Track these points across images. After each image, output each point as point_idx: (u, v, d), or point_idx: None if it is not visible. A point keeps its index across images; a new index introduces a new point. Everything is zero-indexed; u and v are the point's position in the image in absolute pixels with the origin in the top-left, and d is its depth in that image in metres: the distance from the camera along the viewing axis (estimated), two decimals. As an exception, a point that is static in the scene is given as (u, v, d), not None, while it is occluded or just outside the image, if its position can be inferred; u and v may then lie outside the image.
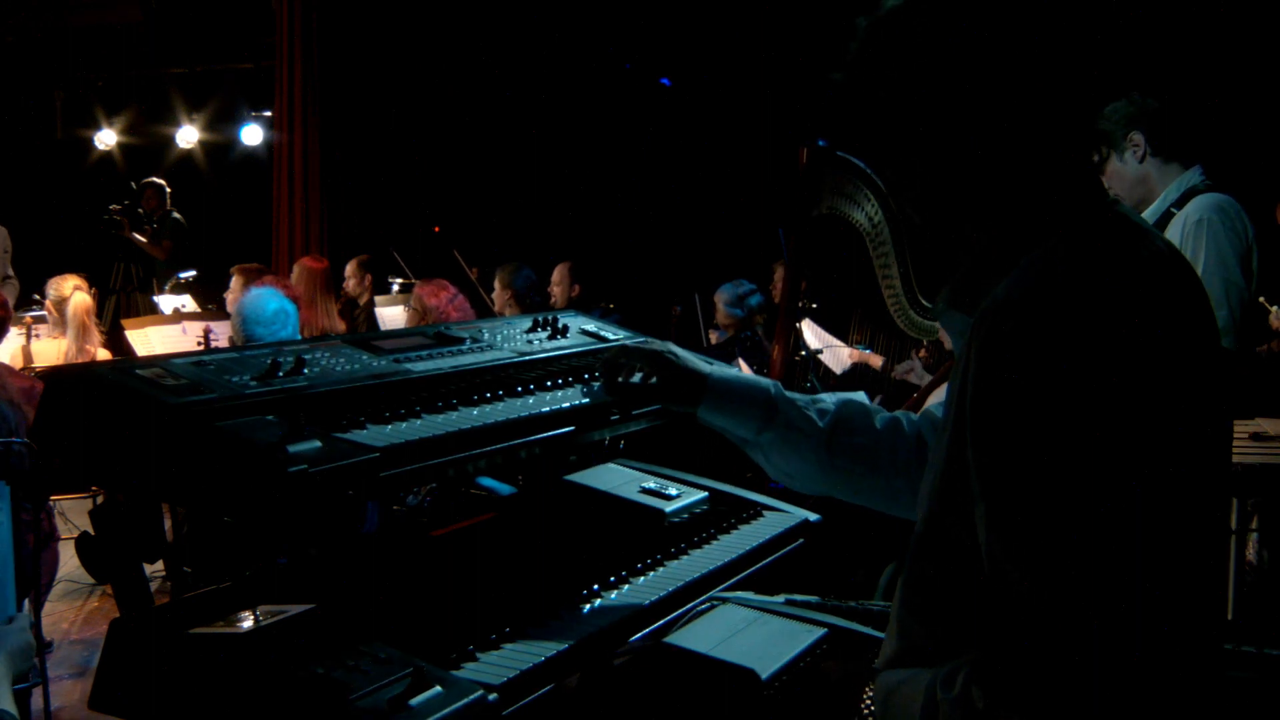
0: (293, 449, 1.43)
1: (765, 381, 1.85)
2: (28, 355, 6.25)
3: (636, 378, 1.95)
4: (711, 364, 1.92)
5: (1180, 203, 3.41)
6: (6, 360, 5.48)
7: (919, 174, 1.41)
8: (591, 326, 2.33)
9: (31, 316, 6.54)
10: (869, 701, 1.36)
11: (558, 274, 6.82)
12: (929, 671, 1.32)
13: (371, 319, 7.21)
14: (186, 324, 6.06)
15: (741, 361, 5.21)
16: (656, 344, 1.94)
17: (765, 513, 2.31)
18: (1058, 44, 1.34)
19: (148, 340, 5.89)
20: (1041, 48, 1.33)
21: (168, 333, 5.96)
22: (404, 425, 1.65)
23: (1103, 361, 1.19)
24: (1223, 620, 1.42)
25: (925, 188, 1.42)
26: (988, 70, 1.32)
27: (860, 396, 1.88)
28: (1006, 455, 1.22)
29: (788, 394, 1.83)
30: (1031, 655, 1.19)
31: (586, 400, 1.91)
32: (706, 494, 2.36)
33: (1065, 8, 1.35)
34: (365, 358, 1.85)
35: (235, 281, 6.02)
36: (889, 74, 1.38)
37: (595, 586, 1.81)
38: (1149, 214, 3.47)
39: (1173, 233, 3.36)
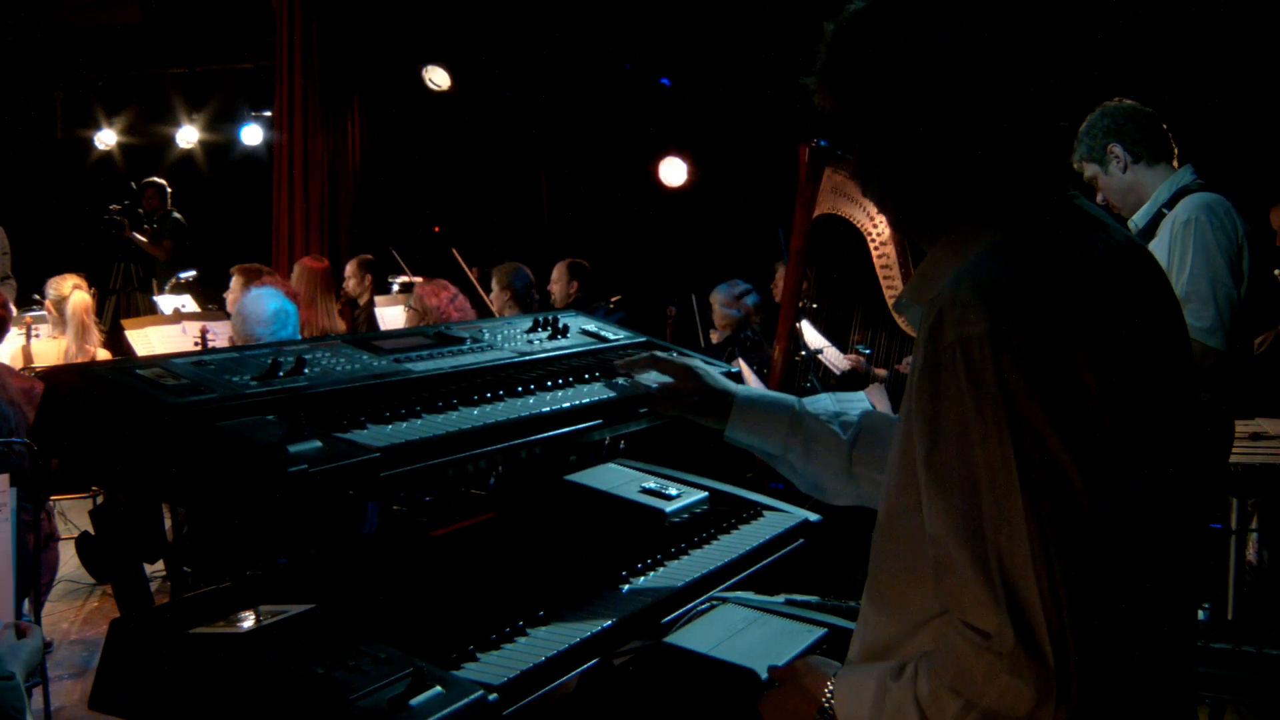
0: (293, 449, 1.43)
1: (788, 398, 1.87)
2: (28, 355, 6.25)
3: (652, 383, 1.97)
4: (729, 378, 1.95)
5: (1171, 203, 3.41)
6: (6, 360, 5.48)
7: (879, 171, 1.42)
8: (592, 326, 2.33)
9: (32, 316, 6.53)
10: (829, 695, 1.37)
11: (556, 272, 6.83)
12: (883, 665, 1.33)
13: (371, 319, 7.21)
14: (186, 324, 6.05)
15: (741, 361, 5.21)
16: (681, 359, 1.97)
17: (765, 513, 2.31)
18: (1013, 41, 1.34)
19: (148, 340, 5.89)
20: (996, 45, 1.33)
21: (168, 333, 5.96)
22: (404, 425, 1.65)
23: (1048, 354, 1.19)
24: (1195, 620, 1.43)
25: (883, 184, 1.43)
26: (943, 67, 1.33)
27: (861, 397, 1.88)
28: (947, 448, 1.22)
29: (811, 409, 1.85)
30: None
31: (587, 400, 1.91)
32: (706, 494, 2.36)
33: (1018, 6, 1.36)
34: (365, 358, 1.85)
35: (235, 281, 6.01)
36: (850, 75, 1.40)
37: (595, 586, 1.81)
38: (1140, 216, 3.47)
39: (1163, 234, 3.36)
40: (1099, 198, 3.51)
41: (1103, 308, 1.24)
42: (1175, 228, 3.32)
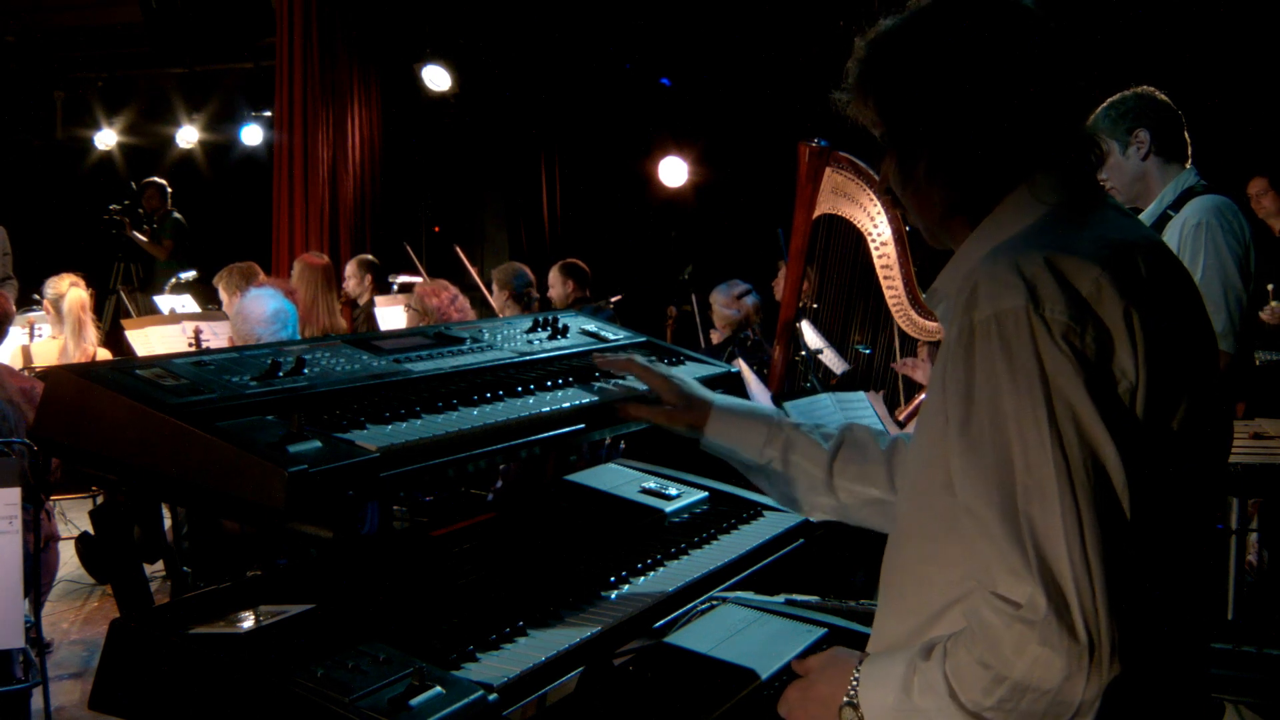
0: (293, 449, 1.43)
1: (768, 408, 1.86)
2: (27, 355, 6.25)
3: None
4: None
5: (1177, 205, 3.39)
6: (6, 360, 5.47)
7: (917, 174, 1.44)
8: (592, 326, 2.33)
9: (34, 316, 6.53)
10: (855, 681, 1.36)
11: (552, 276, 6.84)
12: (910, 648, 1.34)
13: (371, 319, 7.21)
14: (187, 324, 6.06)
15: (741, 362, 5.21)
16: (660, 371, 1.94)
17: (765, 513, 2.31)
18: (1044, 50, 1.37)
19: (148, 340, 5.89)
20: (1028, 55, 1.37)
21: (168, 333, 5.96)
22: (404, 425, 1.65)
23: (1081, 318, 1.20)
24: (1209, 619, 1.45)
25: (921, 186, 1.45)
26: (984, 77, 1.36)
27: (860, 397, 1.88)
28: (980, 419, 1.23)
29: (791, 420, 1.84)
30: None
31: (587, 400, 1.91)
32: (706, 494, 2.36)
33: (1052, 18, 1.39)
34: (365, 358, 1.85)
35: (221, 290, 6.03)
36: (889, 87, 1.43)
37: (595, 586, 1.81)
38: (1146, 215, 3.46)
39: (1170, 236, 3.35)
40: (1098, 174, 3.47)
41: (1138, 286, 1.25)
42: (1185, 230, 3.31)
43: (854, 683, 1.36)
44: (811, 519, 1.87)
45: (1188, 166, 3.45)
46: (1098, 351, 1.20)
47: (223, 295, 6.08)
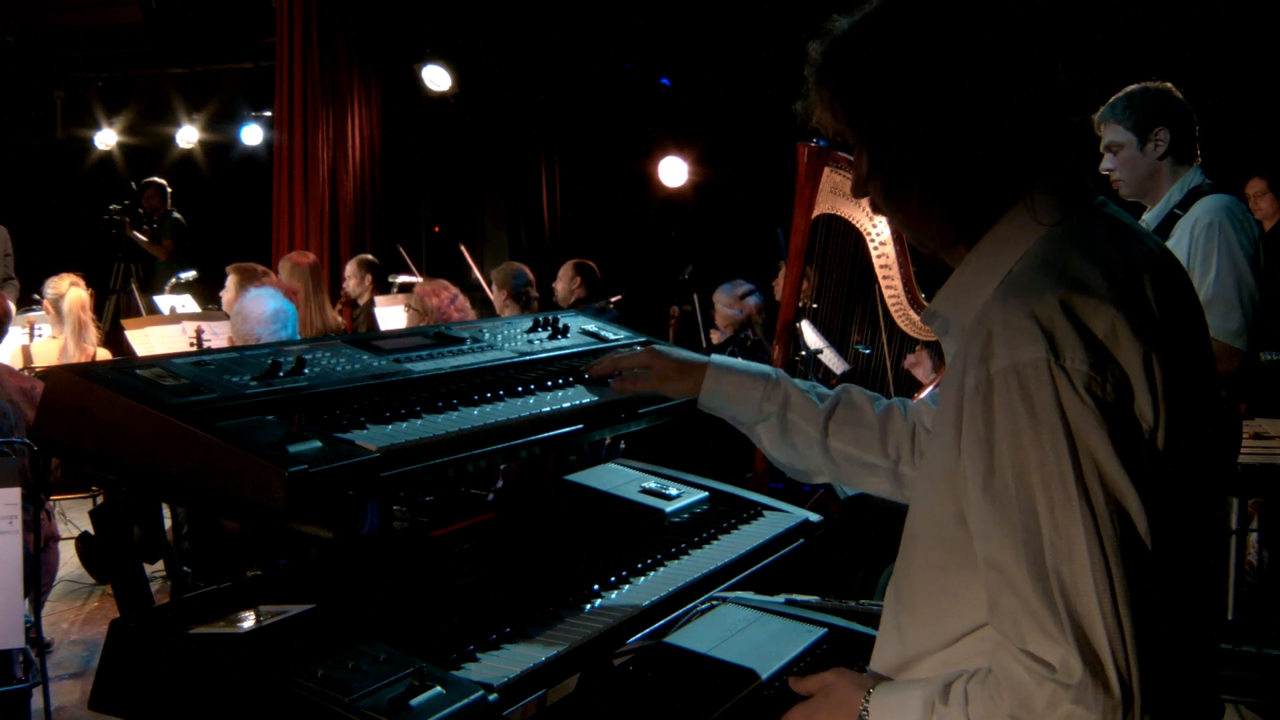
0: (293, 449, 1.43)
1: (765, 366, 1.84)
2: (28, 355, 6.24)
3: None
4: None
5: (1185, 204, 3.37)
6: (6, 360, 5.47)
7: (910, 202, 1.38)
8: (592, 326, 2.33)
9: (34, 316, 6.52)
10: (864, 713, 1.35)
11: (562, 271, 6.85)
12: (925, 682, 1.32)
13: (371, 319, 7.20)
14: (187, 324, 6.05)
15: (741, 361, 5.20)
16: (643, 348, 1.93)
17: (765, 513, 2.31)
18: (1029, 45, 1.32)
19: (148, 340, 5.89)
20: (1012, 51, 1.31)
21: (168, 333, 5.96)
22: (404, 425, 1.65)
23: (1101, 365, 1.19)
24: (1220, 621, 1.43)
25: (915, 214, 1.39)
26: (961, 77, 1.30)
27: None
28: (1003, 475, 1.21)
29: (788, 379, 1.83)
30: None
31: (587, 400, 1.91)
32: (706, 494, 2.36)
33: (1037, 14, 1.33)
34: (365, 358, 1.85)
35: (231, 281, 6.00)
36: (857, 94, 1.37)
37: (595, 586, 1.81)
38: (1153, 215, 3.45)
39: (1180, 235, 3.33)
40: (1105, 163, 3.44)
41: (1152, 322, 1.23)
42: (1196, 230, 3.29)
43: (863, 714, 1.35)
44: (814, 481, 1.85)
45: (1195, 165, 3.44)
46: (1118, 399, 1.18)
47: (229, 289, 6.04)
